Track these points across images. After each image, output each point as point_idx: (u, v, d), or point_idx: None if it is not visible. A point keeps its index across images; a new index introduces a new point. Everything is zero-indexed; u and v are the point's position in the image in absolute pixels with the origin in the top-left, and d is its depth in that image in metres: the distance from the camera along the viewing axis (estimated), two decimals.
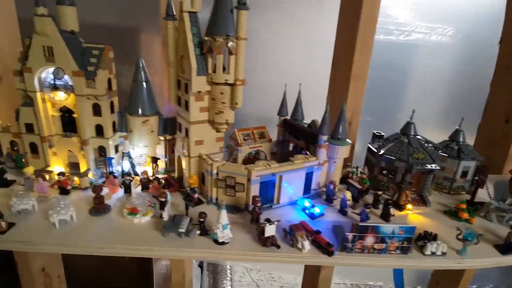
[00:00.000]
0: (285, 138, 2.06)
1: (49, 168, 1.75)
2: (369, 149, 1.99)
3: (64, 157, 1.77)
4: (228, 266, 4.01)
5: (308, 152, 1.83)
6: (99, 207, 1.51)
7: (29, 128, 1.71)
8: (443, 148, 1.97)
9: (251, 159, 2.03)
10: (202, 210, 1.42)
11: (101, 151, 1.78)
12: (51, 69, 1.59)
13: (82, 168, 1.77)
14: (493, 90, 2.49)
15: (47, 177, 1.66)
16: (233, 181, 1.56)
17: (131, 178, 1.71)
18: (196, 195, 1.63)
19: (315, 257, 1.35)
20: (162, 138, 1.86)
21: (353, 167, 2.04)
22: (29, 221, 1.42)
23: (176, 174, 1.85)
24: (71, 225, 1.42)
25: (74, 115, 1.70)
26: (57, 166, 1.77)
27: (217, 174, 1.59)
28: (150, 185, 1.70)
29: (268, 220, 1.38)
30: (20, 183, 1.67)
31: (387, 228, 1.35)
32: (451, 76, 2.90)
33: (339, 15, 2.22)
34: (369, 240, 1.36)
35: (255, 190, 1.56)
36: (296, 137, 1.97)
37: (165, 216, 1.43)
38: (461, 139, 2.00)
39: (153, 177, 1.68)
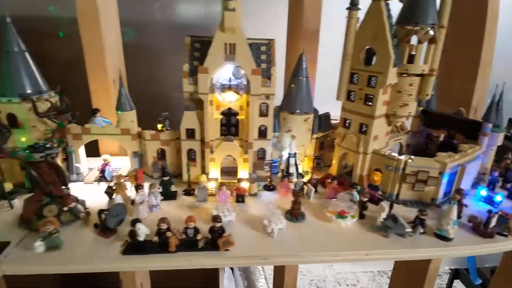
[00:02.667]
0: (419, 129, 2.02)
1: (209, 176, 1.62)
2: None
3: (220, 162, 1.65)
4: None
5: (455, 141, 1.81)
6: (297, 212, 1.41)
7: (189, 133, 1.57)
8: None
9: None
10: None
11: (259, 153, 1.68)
12: (223, 69, 1.47)
13: (240, 173, 1.66)
14: None
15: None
16: (425, 176, 1.51)
17: (303, 181, 1.61)
18: (379, 192, 1.57)
19: None
20: (314, 136, 1.78)
21: None
22: (237, 233, 1.30)
23: (335, 172, 1.77)
24: (283, 233, 1.32)
25: (240, 117, 1.58)
26: (214, 172, 1.65)
27: (404, 169, 1.54)
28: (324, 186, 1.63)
29: (490, 212, 1.35)
30: (195, 193, 1.53)
31: None
32: None
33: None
34: None
35: (445, 183, 1.53)
36: (436, 127, 1.94)
37: (383, 217, 1.36)
38: None
39: (331, 177, 1.60)
